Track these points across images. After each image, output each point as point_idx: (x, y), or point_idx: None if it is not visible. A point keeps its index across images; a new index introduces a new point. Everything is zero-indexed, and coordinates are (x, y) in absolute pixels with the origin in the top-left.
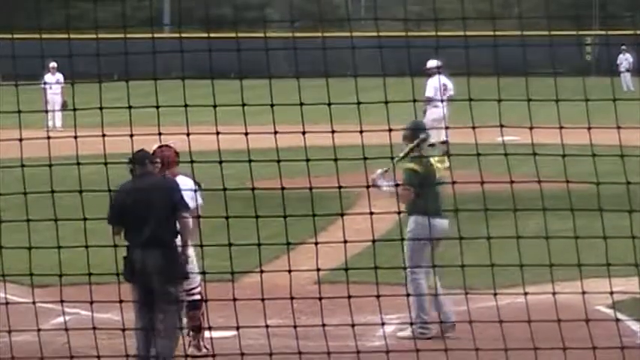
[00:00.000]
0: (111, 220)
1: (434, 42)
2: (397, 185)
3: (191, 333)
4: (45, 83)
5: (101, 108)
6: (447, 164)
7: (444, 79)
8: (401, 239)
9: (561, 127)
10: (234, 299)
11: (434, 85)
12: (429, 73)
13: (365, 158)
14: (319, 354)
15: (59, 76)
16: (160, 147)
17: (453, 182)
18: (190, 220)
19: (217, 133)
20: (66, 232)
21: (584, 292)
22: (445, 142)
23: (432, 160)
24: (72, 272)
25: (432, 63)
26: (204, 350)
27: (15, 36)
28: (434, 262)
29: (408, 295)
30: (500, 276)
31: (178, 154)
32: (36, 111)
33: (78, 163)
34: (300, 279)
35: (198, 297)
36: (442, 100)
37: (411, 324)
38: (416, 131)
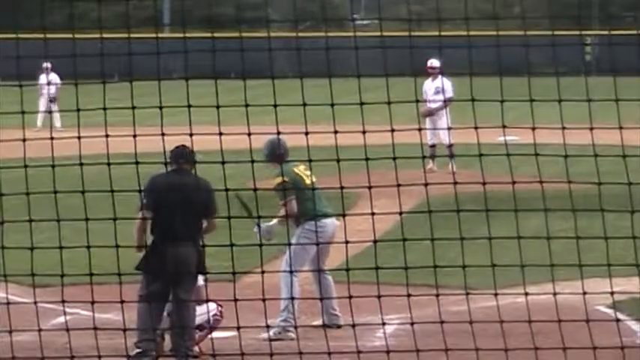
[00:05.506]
0: (148, 206)
1: (436, 41)
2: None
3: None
4: (49, 83)
5: (105, 108)
6: (308, 172)
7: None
8: (403, 239)
9: (563, 128)
10: (235, 299)
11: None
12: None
13: (367, 159)
14: (319, 354)
15: (53, 77)
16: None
17: (455, 182)
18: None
19: (220, 134)
20: (67, 232)
21: (584, 292)
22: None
23: (295, 169)
24: (73, 272)
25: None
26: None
27: (15, 36)
28: (320, 265)
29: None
30: (500, 276)
31: None
32: (39, 111)
33: (81, 164)
34: (300, 279)
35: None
36: (445, 101)
37: (268, 326)
38: (275, 151)
